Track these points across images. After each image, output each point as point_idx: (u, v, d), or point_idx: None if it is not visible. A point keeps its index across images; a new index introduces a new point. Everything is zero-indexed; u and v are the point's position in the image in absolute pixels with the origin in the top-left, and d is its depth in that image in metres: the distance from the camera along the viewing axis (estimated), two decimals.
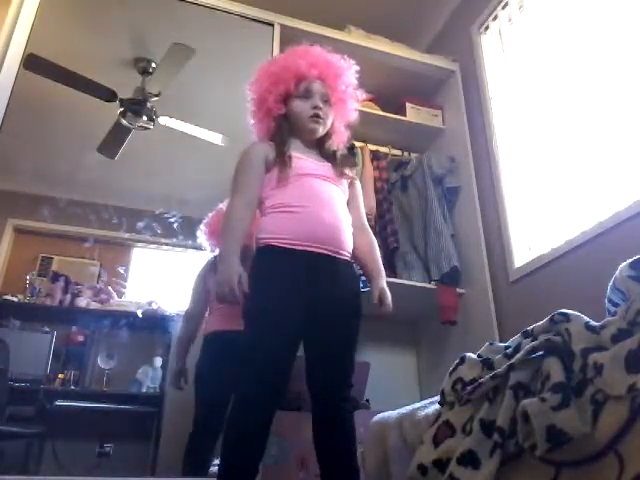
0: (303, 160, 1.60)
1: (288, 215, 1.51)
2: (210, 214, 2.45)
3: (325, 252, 1.49)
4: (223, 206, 2.30)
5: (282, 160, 1.56)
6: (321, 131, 1.66)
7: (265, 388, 1.37)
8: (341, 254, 1.53)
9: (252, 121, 1.73)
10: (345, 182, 1.66)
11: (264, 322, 1.42)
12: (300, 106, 1.63)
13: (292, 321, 1.43)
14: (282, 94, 1.64)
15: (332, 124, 1.70)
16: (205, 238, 2.45)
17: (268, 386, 1.38)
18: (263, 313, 1.43)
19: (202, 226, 2.46)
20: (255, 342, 1.41)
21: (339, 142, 1.73)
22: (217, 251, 2.37)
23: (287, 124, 1.65)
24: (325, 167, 1.63)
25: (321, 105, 1.63)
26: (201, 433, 2.16)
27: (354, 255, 1.61)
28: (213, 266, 2.36)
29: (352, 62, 1.72)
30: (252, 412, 1.36)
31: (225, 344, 2.11)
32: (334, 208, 1.55)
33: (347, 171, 1.66)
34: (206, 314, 2.40)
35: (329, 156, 1.66)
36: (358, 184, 1.76)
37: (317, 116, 1.62)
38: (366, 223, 1.72)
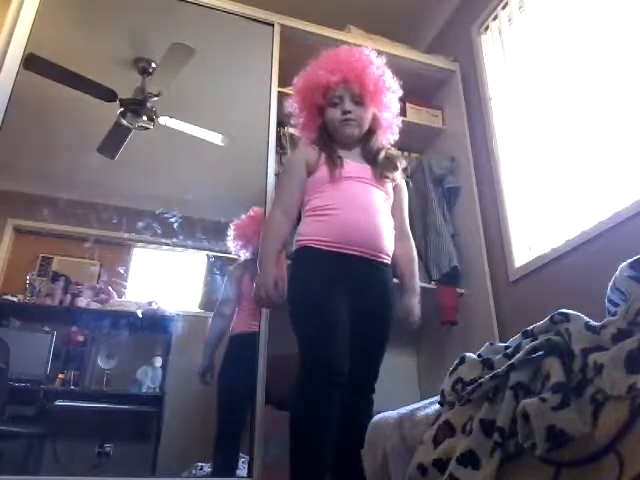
0: (346, 163, 1.61)
1: (324, 218, 1.53)
2: (243, 216, 2.47)
3: (359, 254, 1.51)
4: (252, 212, 2.39)
5: (332, 161, 1.59)
6: (357, 132, 1.67)
7: (330, 369, 1.38)
8: (377, 256, 1.54)
9: (298, 127, 1.77)
10: (389, 184, 1.66)
11: (314, 314, 1.44)
12: (332, 113, 1.66)
13: (337, 306, 1.45)
14: (315, 107, 1.68)
15: (375, 119, 1.70)
16: (231, 239, 2.47)
17: (335, 364, 1.38)
18: (309, 305, 1.45)
19: (231, 225, 2.48)
20: (310, 332, 1.43)
21: (388, 135, 1.72)
22: (242, 252, 2.45)
23: (326, 132, 1.68)
24: (366, 170, 1.63)
25: (350, 108, 1.63)
26: (226, 435, 2.19)
27: (393, 262, 1.62)
28: (247, 268, 2.41)
29: (376, 54, 1.71)
30: (321, 392, 1.38)
31: (251, 346, 2.11)
32: (372, 211, 1.56)
33: (388, 174, 1.65)
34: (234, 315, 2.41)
35: (371, 157, 1.66)
36: (404, 188, 1.75)
37: (348, 119, 1.63)
38: (407, 230, 1.71)
